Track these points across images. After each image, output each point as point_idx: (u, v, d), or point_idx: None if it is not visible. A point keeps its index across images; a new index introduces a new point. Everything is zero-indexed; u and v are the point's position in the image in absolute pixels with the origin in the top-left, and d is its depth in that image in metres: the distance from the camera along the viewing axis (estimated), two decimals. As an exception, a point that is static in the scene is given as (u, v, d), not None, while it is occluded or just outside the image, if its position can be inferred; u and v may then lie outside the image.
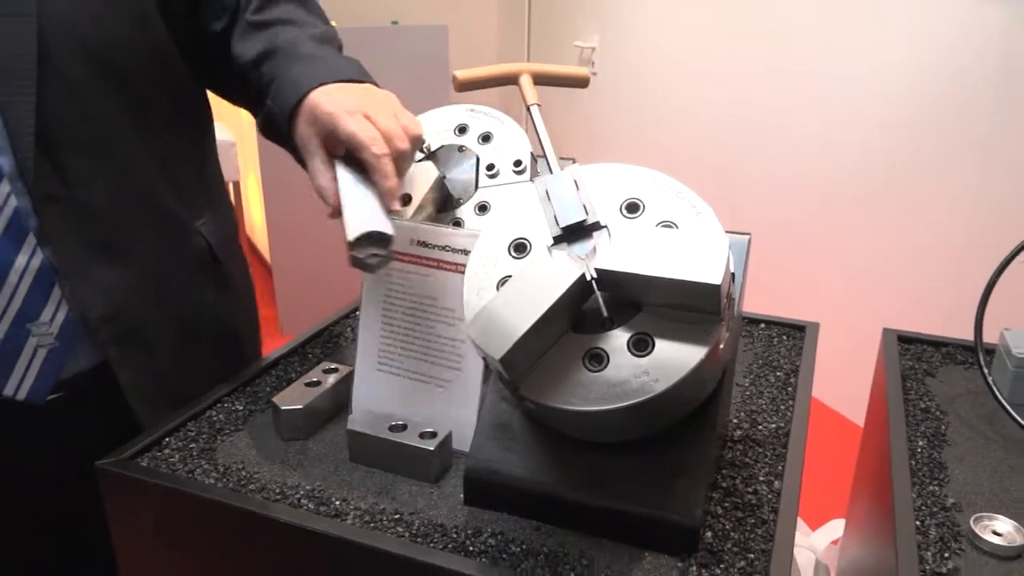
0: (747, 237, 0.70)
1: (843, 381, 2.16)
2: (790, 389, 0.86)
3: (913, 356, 0.95)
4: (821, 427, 2.40)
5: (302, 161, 0.76)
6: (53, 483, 0.80)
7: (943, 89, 2.11)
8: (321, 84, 0.74)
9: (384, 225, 0.68)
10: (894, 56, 2.21)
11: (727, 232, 0.62)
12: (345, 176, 0.72)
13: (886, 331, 0.99)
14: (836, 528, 1.46)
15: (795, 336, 0.99)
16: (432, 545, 0.62)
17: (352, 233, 0.67)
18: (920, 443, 0.77)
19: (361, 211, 0.69)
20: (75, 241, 0.73)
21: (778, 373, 0.89)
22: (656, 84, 3.18)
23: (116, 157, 0.75)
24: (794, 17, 2.49)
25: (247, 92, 0.84)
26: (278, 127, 0.77)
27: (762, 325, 1.02)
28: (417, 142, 0.73)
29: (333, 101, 0.72)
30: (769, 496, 0.68)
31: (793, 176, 2.58)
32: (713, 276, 0.52)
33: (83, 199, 0.73)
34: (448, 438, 0.72)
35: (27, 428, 0.77)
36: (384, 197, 0.69)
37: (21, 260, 0.71)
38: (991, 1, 1.96)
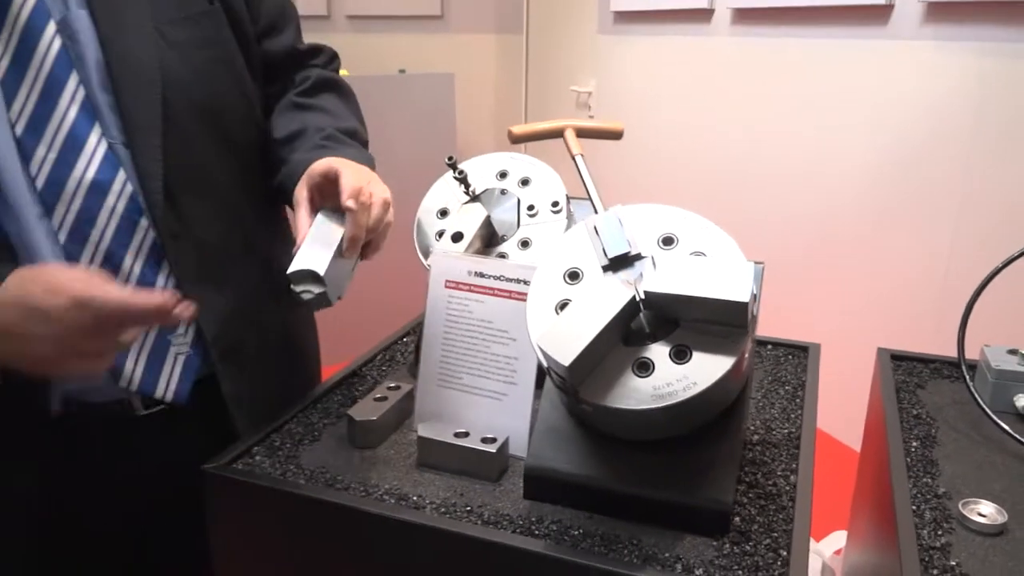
0: (761, 265, 0.81)
1: (840, 405, 2.28)
2: (798, 400, 0.97)
3: (905, 371, 1.06)
4: (820, 451, 2.51)
5: None
6: (151, 488, 0.90)
7: (928, 131, 2.26)
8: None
9: (319, 266, 0.79)
10: (879, 101, 2.37)
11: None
12: (318, 221, 0.84)
13: (880, 350, 1.11)
14: (839, 539, 1.56)
15: (799, 356, 1.10)
16: (502, 529, 0.72)
17: (291, 267, 0.80)
18: (914, 444, 0.88)
19: (309, 251, 0.81)
20: (193, 270, 0.85)
21: (786, 387, 1.01)
22: (651, 126, 3.33)
23: (221, 199, 0.87)
24: (787, 64, 2.65)
25: (267, 157, 0.97)
26: (284, 194, 0.90)
27: (769, 346, 1.13)
28: (387, 226, 0.86)
29: (337, 159, 0.85)
30: (786, 487, 0.79)
31: (789, 210, 2.72)
32: (742, 295, 0.64)
33: (199, 235, 0.85)
34: (506, 443, 0.82)
35: (135, 436, 0.87)
36: (347, 242, 0.81)
37: (160, 281, 0.83)
38: (968, 53, 2.12)
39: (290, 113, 0.97)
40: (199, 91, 0.85)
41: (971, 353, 0.97)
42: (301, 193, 0.85)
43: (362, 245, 0.83)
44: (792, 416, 0.93)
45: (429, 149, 2.87)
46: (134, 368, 0.82)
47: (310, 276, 0.80)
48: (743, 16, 2.78)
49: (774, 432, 0.90)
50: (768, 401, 0.97)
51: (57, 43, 0.77)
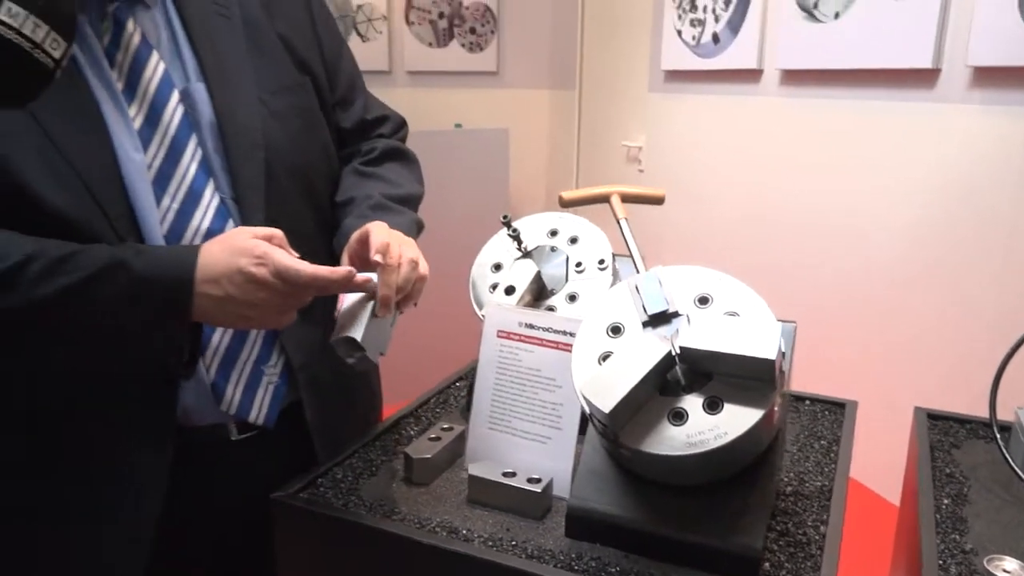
0: (793, 324, 0.87)
1: (884, 460, 2.26)
2: (832, 455, 1.01)
3: (941, 431, 1.09)
4: (862, 506, 2.49)
5: None
6: (231, 511, 0.98)
7: (971, 193, 2.28)
8: None
9: (356, 333, 0.85)
10: (925, 163, 2.40)
11: (777, 320, 0.80)
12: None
13: (917, 409, 1.14)
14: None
15: (836, 412, 1.14)
16: (545, 564, 0.78)
17: (333, 336, 0.87)
18: (945, 501, 0.91)
19: (347, 319, 0.87)
20: None
21: (821, 442, 1.05)
22: (699, 181, 3.40)
23: (306, 247, 0.97)
24: (834, 124, 2.70)
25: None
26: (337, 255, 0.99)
27: (807, 402, 1.17)
28: (419, 282, 0.92)
29: (372, 224, 0.93)
30: (816, 537, 0.83)
31: (831, 268, 2.75)
32: (768, 352, 0.69)
33: None
34: (550, 484, 0.88)
35: (228, 459, 0.96)
36: (379, 303, 0.87)
37: None
38: (1014, 117, 2.15)
39: (351, 179, 1.07)
40: (293, 154, 0.97)
41: (1007, 414, 1.00)
42: (343, 260, 0.94)
43: (396, 302, 0.89)
44: (826, 470, 0.97)
45: (483, 201, 2.98)
46: (234, 394, 0.92)
47: (351, 343, 0.86)
48: (792, 77, 2.85)
49: (807, 484, 0.94)
50: (803, 455, 1.01)
51: (180, 110, 0.89)
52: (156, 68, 0.88)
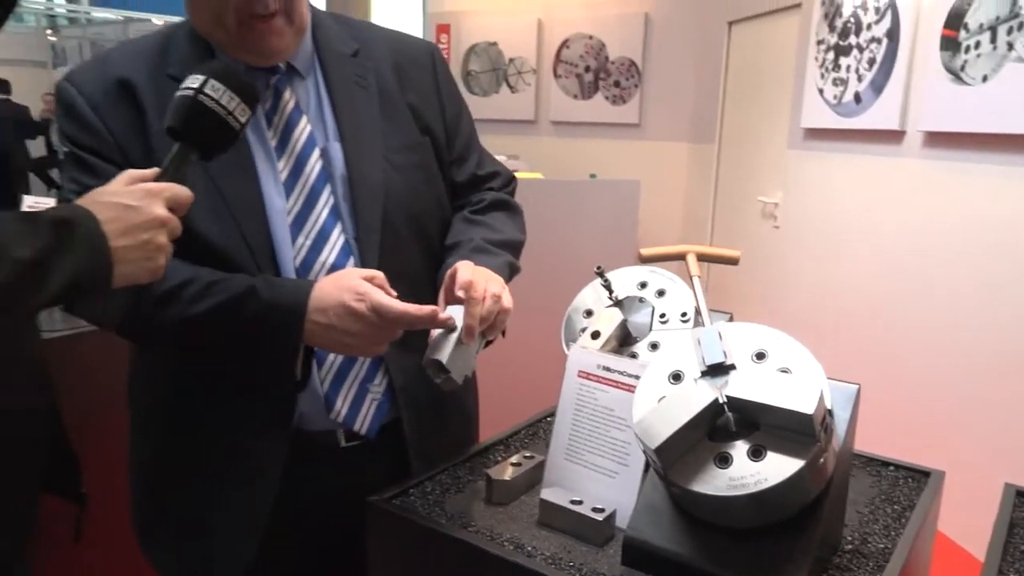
0: (856, 386, 0.91)
1: (973, 520, 2.13)
2: (904, 521, 1.02)
3: (1030, 509, 1.07)
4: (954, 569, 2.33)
5: None
6: (341, 513, 1.13)
7: None
8: None
9: (443, 356, 0.97)
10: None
11: (841, 381, 0.85)
12: (446, 313, 1.02)
13: (1007, 485, 1.12)
14: None
15: (920, 480, 1.14)
16: (596, 585, 0.85)
17: (424, 358, 0.99)
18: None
19: (436, 343, 0.99)
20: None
21: (895, 506, 1.06)
22: (836, 239, 3.33)
23: (416, 283, 1.12)
24: (976, 188, 2.60)
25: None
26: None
27: (891, 467, 1.18)
28: (502, 315, 1.03)
29: (463, 262, 1.05)
30: (864, 593, 0.85)
31: (959, 336, 2.62)
32: (808, 407, 0.75)
33: None
34: (613, 514, 0.96)
35: (336, 465, 1.11)
36: (464, 331, 0.98)
37: None
38: None
39: (459, 225, 1.21)
40: (410, 203, 1.12)
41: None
42: (440, 294, 1.07)
43: (481, 332, 1.01)
44: (892, 534, 0.99)
45: (612, 249, 3.07)
46: (342, 405, 1.08)
47: (438, 365, 0.99)
48: (935, 140, 2.77)
49: (869, 544, 0.96)
50: (872, 517, 1.03)
51: (319, 164, 1.07)
52: (304, 129, 1.06)
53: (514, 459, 1.09)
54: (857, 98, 3.16)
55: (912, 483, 1.13)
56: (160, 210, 0.81)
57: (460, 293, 1.00)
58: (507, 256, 1.17)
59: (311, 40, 1.12)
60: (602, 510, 0.96)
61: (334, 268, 1.05)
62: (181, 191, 0.84)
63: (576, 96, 5.21)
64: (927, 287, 2.79)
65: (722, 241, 4.40)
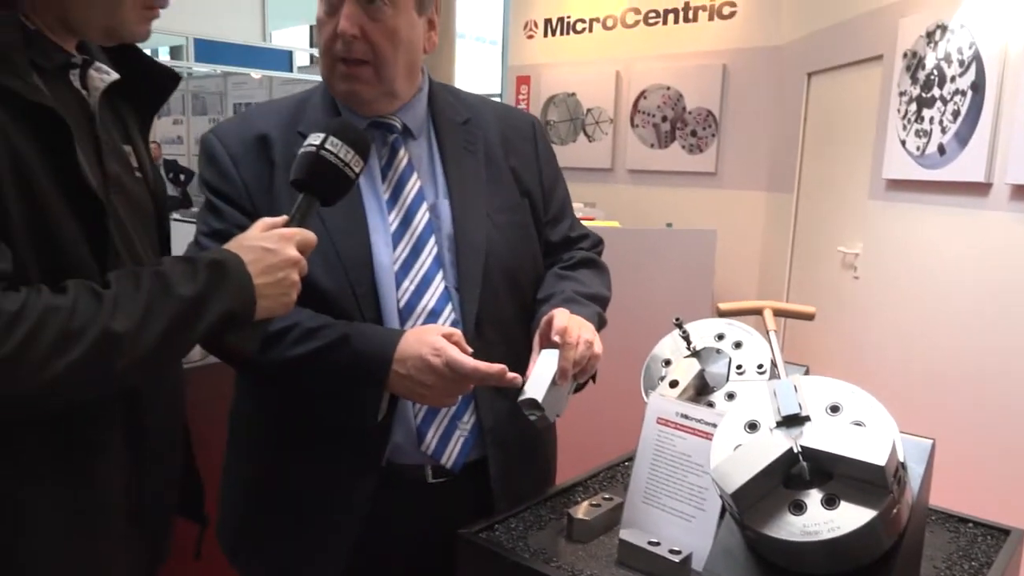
0: (931, 441, 0.94)
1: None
2: (982, 577, 1.03)
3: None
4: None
5: None
6: (424, 546, 1.20)
7: None
8: None
9: (538, 395, 1.04)
10: None
11: (915, 435, 0.88)
12: (541, 358, 1.11)
13: (1093, 547, 1.11)
14: None
15: (999, 537, 1.14)
16: (673, 622, 0.90)
17: (520, 396, 1.06)
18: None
19: (532, 383, 1.07)
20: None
21: (972, 563, 1.06)
22: (918, 290, 3.28)
23: (508, 331, 1.20)
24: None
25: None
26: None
27: (970, 524, 1.18)
28: (593, 360, 1.11)
29: (559, 310, 1.13)
30: (938, 645, 0.87)
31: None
32: (880, 459, 0.79)
33: (491, 353, 1.14)
34: (689, 557, 1.01)
35: (423, 499, 1.19)
36: (559, 373, 1.07)
37: None
38: None
39: (551, 279, 1.30)
40: (508, 259, 1.22)
41: None
42: (536, 338, 1.15)
43: (574, 375, 1.09)
44: (970, 589, 1.00)
45: (687, 298, 3.11)
46: (432, 438, 1.16)
47: (533, 403, 1.07)
48: (1023, 192, 2.72)
49: (945, 598, 0.97)
50: (950, 572, 1.04)
51: (427, 218, 1.18)
52: (414, 185, 1.18)
53: (594, 500, 1.15)
54: (941, 150, 3.14)
55: (991, 540, 1.14)
56: (293, 252, 0.93)
57: (556, 338, 1.08)
58: (596, 307, 1.24)
59: (427, 106, 1.25)
60: (679, 552, 1.00)
61: (434, 313, 1.14)
62: (308, 235, 0.96)
63: (653, 145, 5.28)
64: (1012, 344, 2.71)
65: (800, 290, 4.36)
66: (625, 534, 1.05)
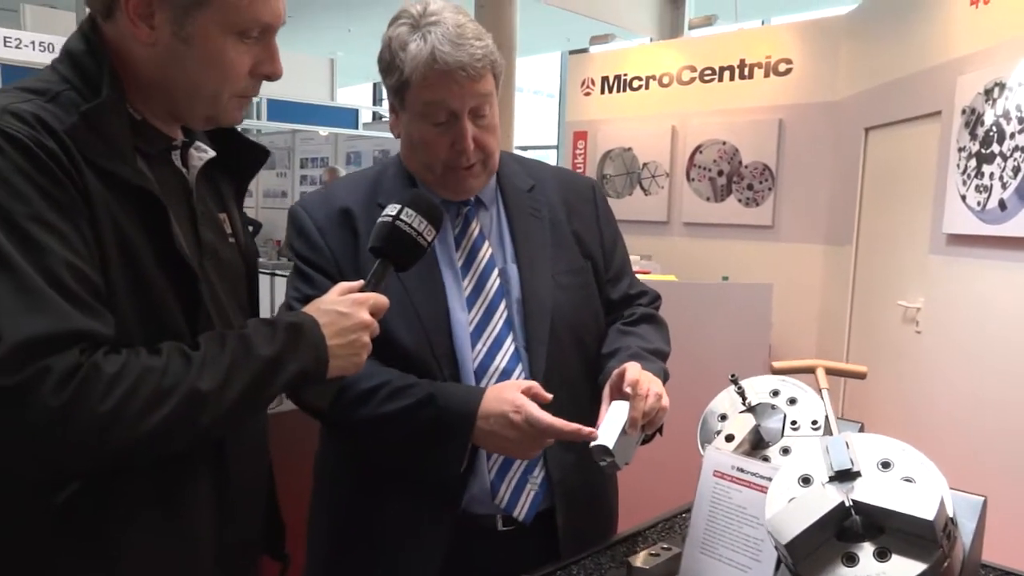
0: (982, 498, 0.97)
1: None
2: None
3: None
4: None
5: None
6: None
7: None
8: None
9: (609, 443, 1.11)
10: None
11: (966, 492, 0.92)
12: (612, 408, 1.18)
13: None
14: None
15: (1057, 597, 1.15)
16: (730, 668, 0.94)
17: (592, 443, 1.13)
18: None
19: (604, 431, 1.13)
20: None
21: (1030, 621, 1.08)
22: (981, 346, 3.23)
23: (575, 388, 1.28)
24: None
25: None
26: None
27: (1024, 582, 1.19)
28: (661, 412, 1.18)
29: (629, 364, 1.20)
30: None
31: None
32: (928, 513, 0.83)
33: (560, 408, 1.21)
34: (746, 606, 1.05)
35: (488, 550, 1.26)
36: (629, 423, 1.13)
37: None
38: None
39: (614, 335, 1.37)
40: (572, 317, 1.30)
41: None
42: (605, 390, 1.22)
43: (642, 426, 1.16)
44: (1028, 648, 1.01)
45: (744, 353, 3.12)
46: (505, 492, 1.24)
47: (604, 450, 1.13)
48: (1088, 249, 2.69)
49: (1002, 656, 0.99)
50: (1007, 630, 1.06)
51: (497, 283, 1.28)
52: (486, 252, 1.27)
53: (652, 549, 1.20)
54: (1002, 205, 3.12)
55: (1051, 600, 1.14)
56: (365, 315, 1.02)
57: (628, 389, 1.15)
58: (660, 363, 1.31)
59: (495, 177, 1.34)
60: (736, 601, 1.04)
61: (506, 372, 1.23)
62: (381, 299, 1.05)
63: (709, 199, 5.32)
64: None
65: (859, 344, 4.31)
66: (683, 583, 1.09)
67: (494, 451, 1.20)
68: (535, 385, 1.17)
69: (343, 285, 1.06)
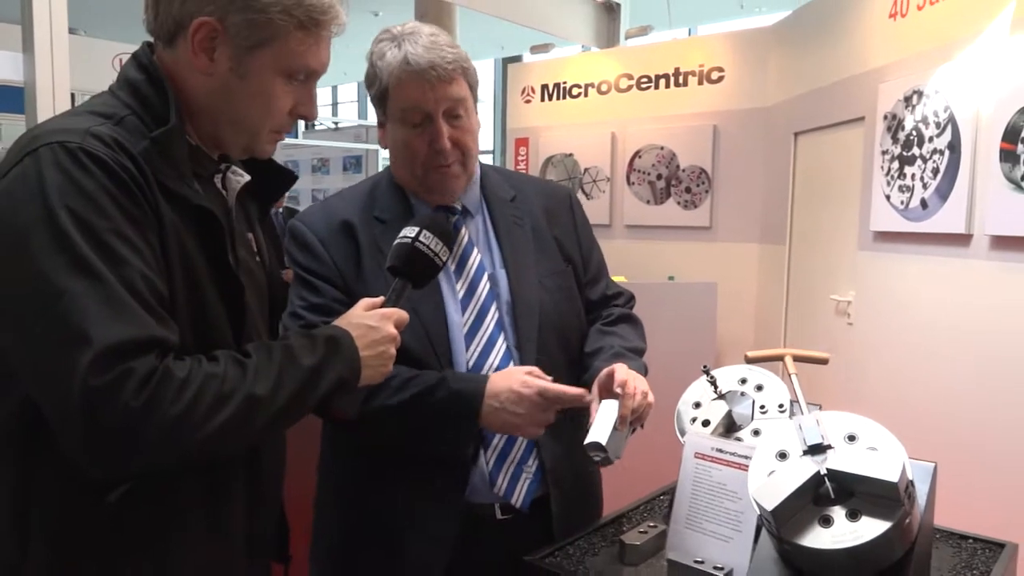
0: (933, 464, 1.11)
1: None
2: (983, 585, 1.19)
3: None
4: None
5: None
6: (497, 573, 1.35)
7: None
8: None
9: (602, 439, 1.21)
10: None
11: (918, 460, 1.05)
12: (602, 406, 1.27)
13: (1078, 558, 1.27)
14: None
15: (995, 550, 1.30)
16: (723, 626, 1.05)
17: (585, 440, 1.22)
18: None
19: (596, 428, 1.23)
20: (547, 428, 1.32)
21: (973, 572, 1.22)
22: (908, 335, 3.46)
23: (560, 382, 1.36)
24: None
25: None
26: (586, 386, 1.36)
27: (970, 540, 1.34)
28: (647, 408, 1.29)
29: (617, 364, 1.30)
30: (950, 638, 1.03)
31: (1013, 424, 2.70)
32: (893, 476, 0.96)
33: None
34: (731, 573, 1.16)
35: (489, 537, 1.35)
36: (619, 420, 1.23)
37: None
38: None
39: (596, 335, 1.48)
40: (557, 317, 1.40)
41: None
42: (594, 389, 1.32)
43: (631, 421, 1.26)
44: (973, 594, 1.16)
45: (691, 348, 3.27)
46: (503, 481, 1.32)
47: (598, 446, 1.23)
48: (1002, 243, 2.93)
49: (953, 602, 1.13)
50: (955, 581, 1.20)
51: (488, 286, 1.36)
52: (475, 258, 1.36)
53: (641, 528, 1.31)
54: (923, 204, 3.36)
55: (988, 553, 1.30)
56: (391, 329, 1.10)
57: (618, 389, 1.25)
58: (640, 360, 1.42)
59: (479, 187, 1.43)
60: (722, 568, 1.16)
61: (498, 370, 1.31)
62: (403, 314, 1.13)
63: (649, 202, 5.51)
64: (992, 382, 2.89)
65: (795, 337, 4.55)
66: (672, 555, 1.20)
67: (500, 430, 1.28)
68: (535, 370, 1.28)
69: (367, 301, 1.14)
